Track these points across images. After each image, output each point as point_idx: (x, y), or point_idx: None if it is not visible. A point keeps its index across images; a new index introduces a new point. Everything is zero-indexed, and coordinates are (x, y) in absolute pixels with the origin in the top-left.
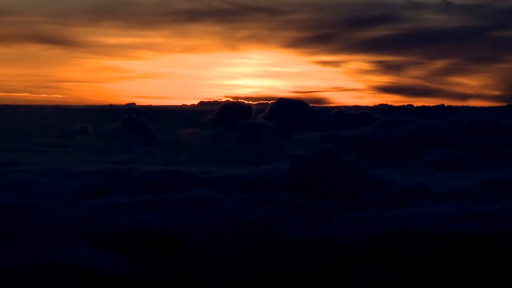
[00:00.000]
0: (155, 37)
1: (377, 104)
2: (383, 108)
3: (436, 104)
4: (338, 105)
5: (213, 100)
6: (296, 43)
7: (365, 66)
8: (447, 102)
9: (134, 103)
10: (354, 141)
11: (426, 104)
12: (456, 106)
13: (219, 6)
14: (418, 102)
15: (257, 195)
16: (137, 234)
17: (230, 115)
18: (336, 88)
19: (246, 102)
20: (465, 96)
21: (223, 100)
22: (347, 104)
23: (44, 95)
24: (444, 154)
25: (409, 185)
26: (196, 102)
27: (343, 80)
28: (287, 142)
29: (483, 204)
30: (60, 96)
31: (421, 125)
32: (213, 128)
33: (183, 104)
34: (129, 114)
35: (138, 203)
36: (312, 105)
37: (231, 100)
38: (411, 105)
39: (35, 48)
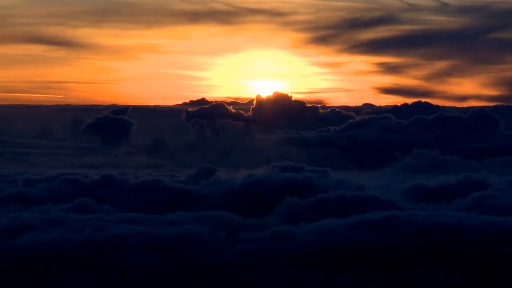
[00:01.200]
0: (157, 38)
1: (379, 104)
2: (370, 110)
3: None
4: (338, 105)
5: (201, 99)
6: (296, 45)
7: (365, 67)
8: (447, 103)
9: (116, 104)
10: (327, 142)
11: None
12: (443, 106)
13: (220, 8)
14: None
15: (183, 213)
16: (31, 253)
17: (212, 116)
18: (336, 89)
19: (241, 102)
20: (464, 97)
21: (226, 101)
22: (347, 105)
23: (45, 96)
24: (422, 156)
25: (351, 196)
26: (194, 103)
27: (343, 81)
28: (261, 143)
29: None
30: (61, 96)
31: (402, 127)
32: (196, 130)
33: (174, 104)
34: (105, 115)
35: (49, 217)
36: (308, 105)
37: (228, 101)
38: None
39: (38, 49)
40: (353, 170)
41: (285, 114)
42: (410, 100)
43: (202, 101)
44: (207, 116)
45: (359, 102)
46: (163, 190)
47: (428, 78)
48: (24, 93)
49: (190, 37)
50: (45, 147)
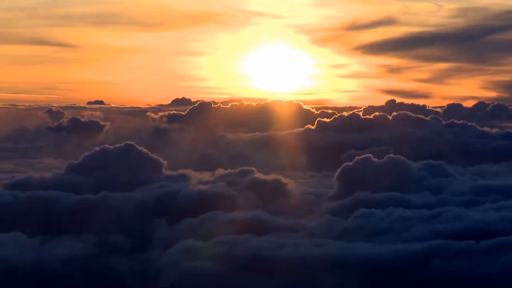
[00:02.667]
0: (159, 40)
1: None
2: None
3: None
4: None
5: (182, 99)
6: (296, 46)
7: (366, 69)
8: (446, 104)
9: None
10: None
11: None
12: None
13: (220, 11)
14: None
15: None
16: None
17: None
18: (336, 90)
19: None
20: (464, 99)
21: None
22: (346, 105)
23: (44, 96)
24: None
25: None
26: (177, 102)
27: (343, 83)
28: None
29: None
30: (60, 97)
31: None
32: (154, 132)
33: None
34: (71, 117)
35: None
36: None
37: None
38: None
39: (42, 51)
40: (298, 172)
41: (254, 116)
42: (409, 101)
43: (182, 100)
44: (176, 118)
45: (357, 103)
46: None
47: (428, 79)
48: (26, 94)
49: (192, 39)
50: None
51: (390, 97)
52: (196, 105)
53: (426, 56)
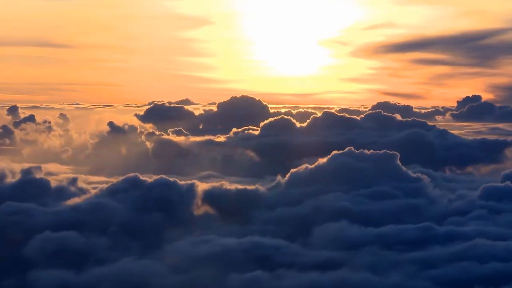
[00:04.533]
0: (161, 41)
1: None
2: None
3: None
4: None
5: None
6: (298, 48)
7: (365, 70)
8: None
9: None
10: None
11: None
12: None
13: (220, 12)
14: (414, 105)
15: None
16: None
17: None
18: (337, 91)
19: None
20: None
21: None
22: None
23: (43, 97)
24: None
25: None
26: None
27: (344, 84)
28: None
29: None
30: (58, 98)
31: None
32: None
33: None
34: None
35: None
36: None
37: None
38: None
39: (44, 52)
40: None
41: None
42: (407, 102)
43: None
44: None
45: (356, 104)
46: None
47: (426, 81)
48: (27, 95)
49: (196, 41)
50: None
51: (389, 99)
52: (151, 105)
53: (425, 59)
